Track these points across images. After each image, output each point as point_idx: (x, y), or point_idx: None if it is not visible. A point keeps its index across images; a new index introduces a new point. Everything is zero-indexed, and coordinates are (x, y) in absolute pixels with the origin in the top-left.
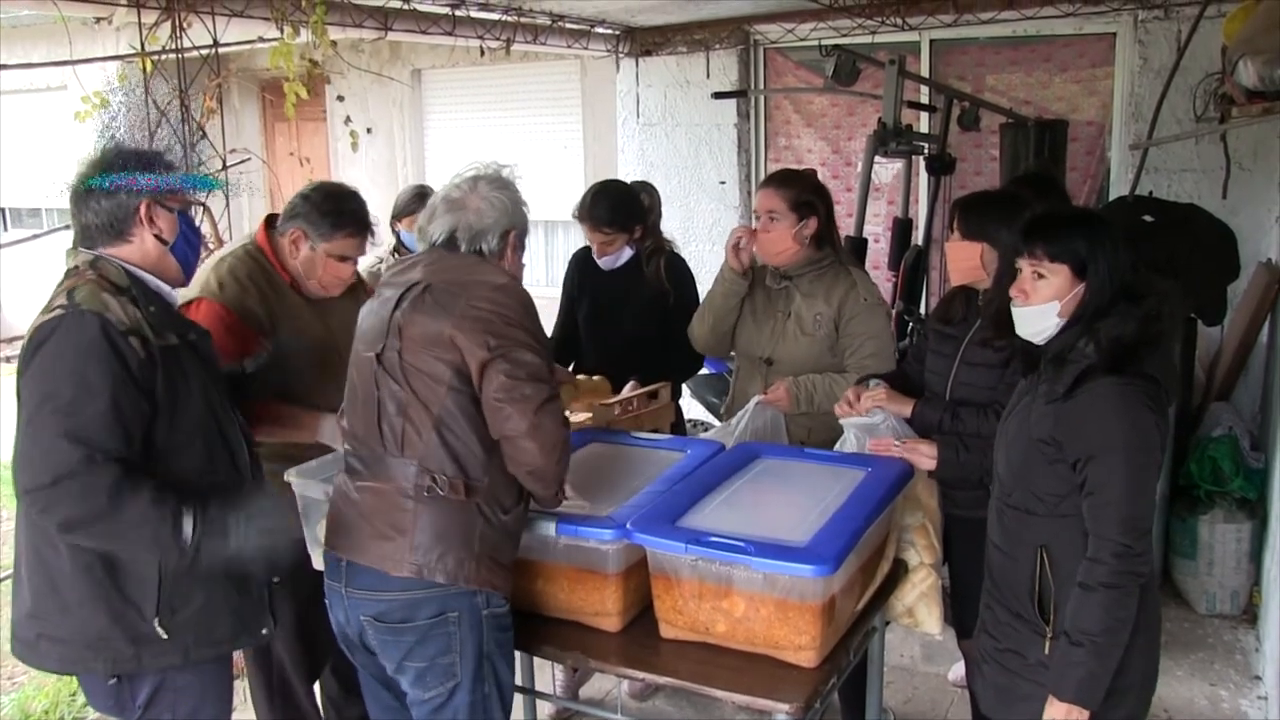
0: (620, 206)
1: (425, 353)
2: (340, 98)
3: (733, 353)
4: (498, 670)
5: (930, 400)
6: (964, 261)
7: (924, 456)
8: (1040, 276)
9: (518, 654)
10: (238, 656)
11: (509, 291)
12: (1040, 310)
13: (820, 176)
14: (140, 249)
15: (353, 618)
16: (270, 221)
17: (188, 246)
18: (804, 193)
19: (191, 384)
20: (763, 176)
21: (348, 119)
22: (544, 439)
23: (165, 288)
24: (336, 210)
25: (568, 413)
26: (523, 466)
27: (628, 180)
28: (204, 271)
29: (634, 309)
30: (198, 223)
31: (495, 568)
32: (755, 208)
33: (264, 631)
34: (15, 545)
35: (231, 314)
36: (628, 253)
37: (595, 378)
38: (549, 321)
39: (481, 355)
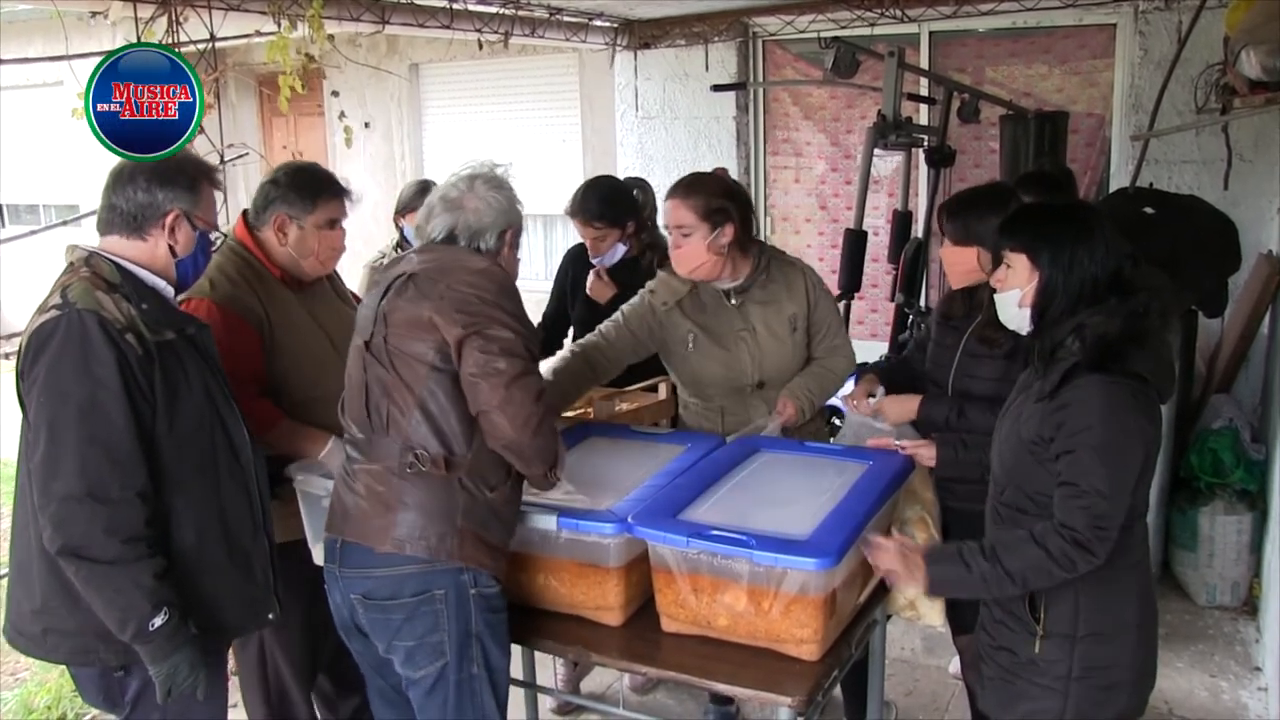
0: (610, 201)
1: (408, 336)
2: (335, 93)
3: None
4: (488, 652)
5: (936, 398)
6: (960, 266)
7: (923, 456)
8: (1009, 266)
9: (519, 648)
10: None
11: (487, 274)
12: (1004, 298)
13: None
14: (150, 251)
15: (346, 598)
16: (246, 216)
17: (192, 265)
18: (714, 199)
19: (192, 379)
20: (762, 169)
21: (342, 114)
22: (515, 412)
23: (161, 283)
24: (310, 181)
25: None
26: (499, 441)
27: (623, 176)
28: None
29: None
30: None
31: (481, 545)
32: (664, 222)
33: (270, 616)
34: (14, 545)
35: (229, 312)
36: (621, 249)
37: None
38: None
39: (457, 333)
